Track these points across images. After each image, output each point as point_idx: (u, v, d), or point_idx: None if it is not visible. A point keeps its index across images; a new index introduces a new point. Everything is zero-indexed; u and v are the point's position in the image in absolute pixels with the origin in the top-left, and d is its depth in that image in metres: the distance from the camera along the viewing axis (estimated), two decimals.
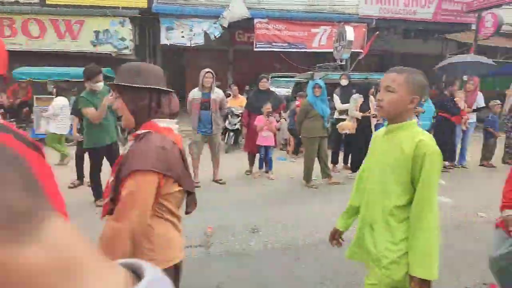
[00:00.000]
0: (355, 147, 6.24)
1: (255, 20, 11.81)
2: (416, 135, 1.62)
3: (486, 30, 11.95)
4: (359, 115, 6.09)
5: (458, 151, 7.19)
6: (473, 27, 12.50)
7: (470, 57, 9.38)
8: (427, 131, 8.84)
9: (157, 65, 8.40)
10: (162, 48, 12.95)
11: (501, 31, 12.62)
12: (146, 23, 12.20)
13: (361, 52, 11.60)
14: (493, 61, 10.09)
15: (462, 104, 6.78)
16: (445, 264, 3.41)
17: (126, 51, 11.54)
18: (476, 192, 5.73)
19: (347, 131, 6.12)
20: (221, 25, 11.49)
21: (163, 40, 11.60)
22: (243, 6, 11.47)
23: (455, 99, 6.73)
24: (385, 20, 12.64)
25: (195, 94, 5.67)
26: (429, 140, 1.60)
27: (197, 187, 5.69)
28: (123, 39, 11.43)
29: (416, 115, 6.52)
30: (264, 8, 12.32)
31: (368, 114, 6.15)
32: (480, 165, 7.32)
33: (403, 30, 13.82)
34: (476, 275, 3.23)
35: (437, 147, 1.60)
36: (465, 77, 8.75)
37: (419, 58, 14.18)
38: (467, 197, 5.43)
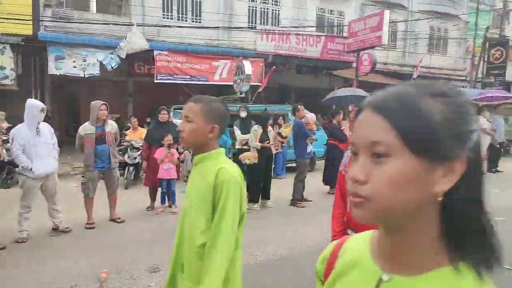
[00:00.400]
0: (256, 176, 6.42)
1: (155, 52, 11.69)
2: (219, 163, 1.54)
3: (364, 68, 13.70)
4: (258, 145, 6.32)
5: None
6: (354, 65, 14.23)
7: (348, 91, 10.69)
8: (321, 157, 9.44)
9: (46, 97, 7.73)
10: (51, 79, 11.93)
11: (377, 69, 14.61)
12: (32, 51, 11.18)
13: (260, 85, 12.26)
14: (370, 94, 11.56)
15: (347, 132, 7.53)
16: None
17: (6, 81, 10.33)
18: None
19: (247, 161, 6.29)
20: (118, 56, 11.10)
21: (52, 70, 10.71)
22: (142, 37, 11.31)
23: (342, 128, 7.46)
24: (280, 56, 13.64)
25: (87, 128, 5.29)
26: (230, 168, 1.53)
27: (91, 228, 5.21)
28: (2, 68, 10.25)
29: (310, 143, 7.05)
30: (164, 41, 12.31)
31: (267, 145, 6.42)
32: None
33: (296, 66, 15.07)
34: None
35: (237, 176, 1.53)
36: (350, 108, 9.84)
37: (311, 91, 15.53)
38: None
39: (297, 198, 6.62)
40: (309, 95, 14.39)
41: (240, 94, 9.34)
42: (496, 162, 10.34)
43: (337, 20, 16.90)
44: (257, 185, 6.40)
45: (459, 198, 0.58)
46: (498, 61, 18.83)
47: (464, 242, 0.60)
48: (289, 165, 9.25)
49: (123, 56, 11.13)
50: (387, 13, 12.71)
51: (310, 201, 6.74)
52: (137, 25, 11.53)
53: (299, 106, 6.86)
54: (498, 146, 10.42)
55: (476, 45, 19.04)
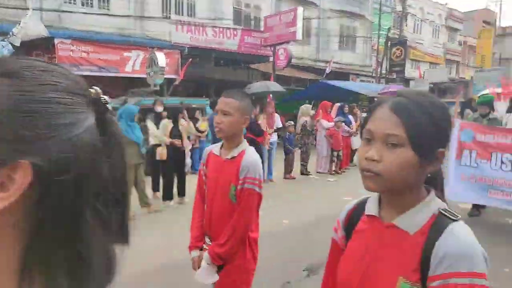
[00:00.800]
0: (166, 172, 6.09)
1: (56, 40, 10.54)
2: None
3: (280, 62, 14.01)
4: (167, 141, 6.00)
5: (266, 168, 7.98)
6: (271, 59, 14.48)
7: (263, 85, 10.99)
8: None
9: None
10: None
11: (293, 63, 15.06)
12: None
13: (176, 78, 11.82)
14: (288, 88, 11.96)
15: (264, 126, 7.58)
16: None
17: None
18: (281, 202, 6.42)
19: (158, 157, 5.94)
20: (11, 44, 9.77)
21: None
22: (39, 23, 10.09)
23: (258, 122, 7.48)
24: (197, 48, 13.28)
25: None
26: None
27: None
28: None
29: None
30: (66, 28, 11.16)
31: (176, 143, 6.05)
32: (284, 178, 8.30)
33: (214, 59, 14.84)
34: (281, 273, 3.50)
35: None
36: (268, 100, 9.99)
37: (231, 85, 15.46)
38: (275, 206, 6.01)
39: None
40: (228, 88, 14.26)
41: (155, 87, 8.86)
42: None
43: (254, 14, 17.03)
44: (169, 182, 6.10)
45: (40, 221, 0.41)
46: (398, 59, 20.79)
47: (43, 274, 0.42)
48: None
49: (17, 44, 9.82)
50: (300, 9, 13.13)
51: None
52: (34, 9, 10.27)
53: (219, 100, 6.71)
54: None
55: (380, 44, 20.76)
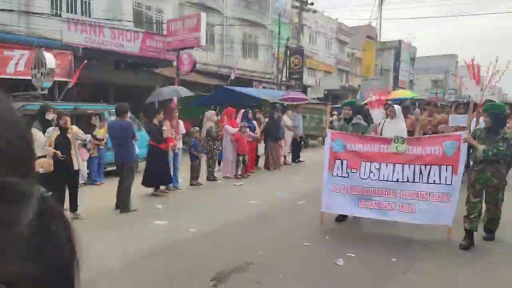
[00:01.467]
0: (53, 186, 5.34)
1: None
2: None
3: (184, 67, 13.85)
4: (51, 151, 5.39)
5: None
6: (175, 63, 14.21)
7: (168, 89, 11.00)
8: (143, 158, 8.79)
9: None
10: None
11: (198, 69, 14.98)
12: None
13: (69, 81, 10.82)
14: (194, 94, 11.90)
15: (169, 131, 7.38)
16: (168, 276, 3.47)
17: None
18: (188, 209, 6.32)
19: (41, 169, 5.28)
20: None
21: None
22: None
23: (163, 128, 7.26)
24: (93, 50, 12.36)
25: None
26: None
27: None
28: None
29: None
30: None
31: (58, 155, 5.39)
32: (190, 185, 8.17)
33: (114, 62, 13.99)
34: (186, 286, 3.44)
35: None
36: (173, 105, 9.79)
37: (132, 89, 14.76)
38: (181, 215, 5.90)
39: (127, 204, 6.07)
40: (128, 93, 13.60)
41: (42, 90, 7.98)
42: (298, 154, 12.08)
43: (156, 17, 16.56)
44: (59, 196, 5.41)
45: None
46: (297, 67, 22.25)
47: None
48: (109, 169, 8.48)
49: None
50: (203, 15, 13.16)
51: (135, 210, 6.21)
52: None
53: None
54: (299, 140, 12.20)
55: (280, 53, 21.94)
